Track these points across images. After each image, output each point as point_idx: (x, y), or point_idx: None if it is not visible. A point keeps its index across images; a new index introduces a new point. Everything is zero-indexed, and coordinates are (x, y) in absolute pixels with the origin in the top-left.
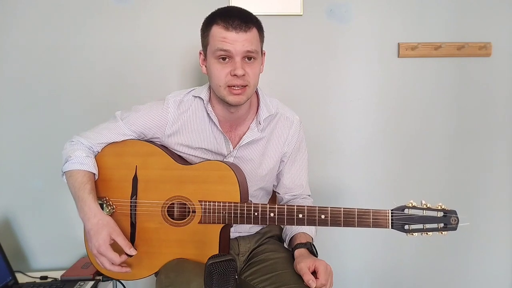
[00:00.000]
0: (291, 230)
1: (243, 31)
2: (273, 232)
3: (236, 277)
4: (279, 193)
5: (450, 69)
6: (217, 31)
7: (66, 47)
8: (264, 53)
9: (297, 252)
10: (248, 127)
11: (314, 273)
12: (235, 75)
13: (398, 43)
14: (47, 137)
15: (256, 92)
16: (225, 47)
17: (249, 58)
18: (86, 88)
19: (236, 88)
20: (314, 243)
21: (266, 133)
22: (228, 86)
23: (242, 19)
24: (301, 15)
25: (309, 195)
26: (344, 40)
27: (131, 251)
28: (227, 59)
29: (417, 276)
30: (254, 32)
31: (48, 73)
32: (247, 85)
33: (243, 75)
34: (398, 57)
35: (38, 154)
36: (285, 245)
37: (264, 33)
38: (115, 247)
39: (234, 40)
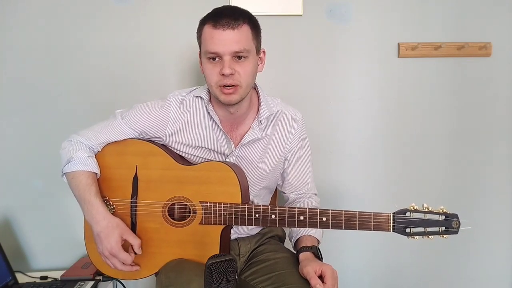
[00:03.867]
0: (296, 232)
1: (230, 28)
2: (273, 232)
3: (236, 277)
4: (284, 193)
5: (450, 69)
6: (206, 30)
7: (66, 47)
8: (264, 52)
9: (302, 256)
10: (250, 127)
11: (320, 277)
12: (223, 74)
13: (398, 43)
14: (47, 137)
15: (257, 92)
16: (213, 49)
17: (239, 57)
18: (86, 88)
19: (227, 87)
20: (320, 245)
21: (267, 132)
22: (220, 86)
23: (231, 16)
24: (301, 15)
25: (315, 194)
26: (344, 40)
27: (139, 251)
28: (216, 59)
29: (417, 276)
30: (244, 29)
31: (48, 73)
32: (238, 85)
33: (231, 74)
34: (398, 57)
35: (38, 154)
36: (291, 246)
37: (264, 33)
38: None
39: (221, 39)
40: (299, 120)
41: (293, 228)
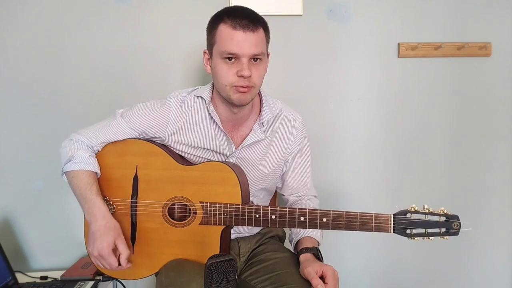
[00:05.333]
0: (297, 234)
1: (250, 31)
2: (273, 232)
3: (236, 277)
4: (284, 195)
5: (450, 69)
6: (224, 30)
7: (66, 47)
8: (269, 54)
9: (303, 257)
10: (251, 128)
11: (321, 278)
12: (241, 76)
13: (398, 43)
14: (48, 137)
15: (259, 93)
16: (232, 50)
17: (255, 59)
18: (87, 89)
19: (243, 87)
20: (320, 246)
21: (269, 134)
22: (234, 86)
23: (250, 19)
24: (301, 15)
25: (315, 196)
26: (344, 40)
27: (125, 263)
28: (233, 59)
29: (417, 276)
30: (261, 32)
31: (49, 73)
32: (252, 86)
33: (250, 76)
34: (398, 57)
35: (38, 154)
36: (291, 248)
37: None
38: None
39: (242, 41)
40: (300, 123)
41: (293, 230)
